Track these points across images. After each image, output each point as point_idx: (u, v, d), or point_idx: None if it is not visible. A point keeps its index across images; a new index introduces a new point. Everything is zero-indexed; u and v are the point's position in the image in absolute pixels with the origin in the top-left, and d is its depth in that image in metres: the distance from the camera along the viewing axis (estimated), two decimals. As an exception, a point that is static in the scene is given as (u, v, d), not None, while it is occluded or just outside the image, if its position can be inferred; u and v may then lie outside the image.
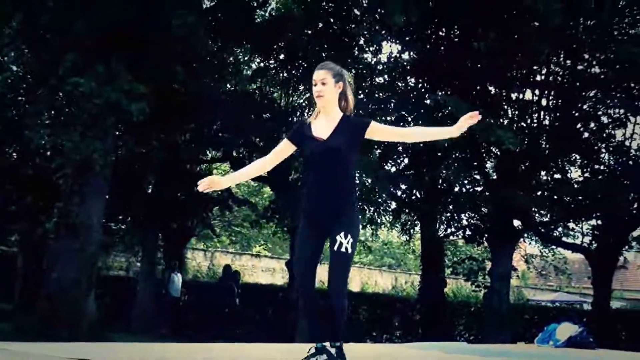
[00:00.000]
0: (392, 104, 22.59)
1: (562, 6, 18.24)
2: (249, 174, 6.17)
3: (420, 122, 21.93)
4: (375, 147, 22.75)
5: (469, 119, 5.76)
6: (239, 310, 24.92)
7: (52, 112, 15.88)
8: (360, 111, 22.59)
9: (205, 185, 5.80)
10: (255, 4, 20.75)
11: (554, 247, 26.02)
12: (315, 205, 5.76)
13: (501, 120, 21.10)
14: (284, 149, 5.86)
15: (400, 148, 23.05)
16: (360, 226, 6.00)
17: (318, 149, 5.64)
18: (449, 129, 5.90)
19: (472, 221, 23.81)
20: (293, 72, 22.89)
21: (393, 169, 23.10)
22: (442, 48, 21.94)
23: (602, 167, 22.56)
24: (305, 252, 5.80)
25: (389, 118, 23.04)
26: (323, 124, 5.72)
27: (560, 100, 21.89)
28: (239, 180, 6.41)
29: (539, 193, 22.11)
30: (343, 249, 5.53)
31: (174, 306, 24.77)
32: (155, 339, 18.71)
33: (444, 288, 25.14)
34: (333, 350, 5.58)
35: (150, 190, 24.50)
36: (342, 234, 5.55)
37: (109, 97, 15.08)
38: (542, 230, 23.65)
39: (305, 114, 23.84)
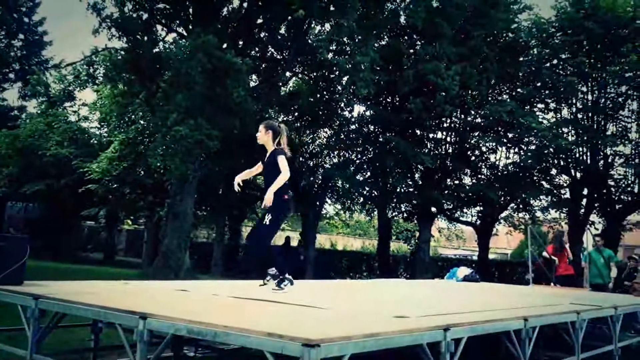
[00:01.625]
0: (360, 141, 22.57)
1: (458, 84, 18.37)
2: (245, 175, 6.45)
3: (377, 151, 21.97)
4: (351, 165, 22.75)
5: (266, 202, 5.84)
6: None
7: (164, 147, 15.81)
8: (341, 144, 22.67)
9: (236, 183, 6.27)
10: (281, 84, 20.72)
11: (455, 223, 26.00)
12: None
13: (424, 149, 21.14)
14: (257, 167, 6.35)
15: (365, 166, 23.01)
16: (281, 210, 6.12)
17: (263, 165, 6.14)
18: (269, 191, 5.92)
19: (407, 208, 23.77)
20: (303, 123, 22.84)
21: (361, 178, 23.04)
22: (389, 108, 21.94)
23: (482, 177, 22.57)
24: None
25: (358, 149, 23.06)
26: (267, 153, 6.10)
27: (457, 138, 21.93)
28: (244, 177, 6.45)
29: (446, 192, 22.11)
30: (264, 222, 5.89)
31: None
32: (224, 278, 18.66)
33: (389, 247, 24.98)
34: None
35: (220, 192, 24.43)
36: (267, 214, 5.88)
37: (196, 138, 15.06)
38: (448, 213, 23.63)
39: (309, 147, 23.87)
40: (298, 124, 22.94)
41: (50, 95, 25.16)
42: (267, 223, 5.85)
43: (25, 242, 5.15)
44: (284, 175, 5.82)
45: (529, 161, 20.34)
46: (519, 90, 21.31)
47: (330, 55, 18.65)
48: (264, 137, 6.04)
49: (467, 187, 21.98)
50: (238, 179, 6.30)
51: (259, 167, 6.31)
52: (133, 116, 20.79)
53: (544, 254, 11.77)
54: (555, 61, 20.53)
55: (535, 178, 21.41)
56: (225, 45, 16.67)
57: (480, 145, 22.07)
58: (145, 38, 17.05)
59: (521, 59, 21.11)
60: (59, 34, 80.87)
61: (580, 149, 20.17)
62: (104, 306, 3.91)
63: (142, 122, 20.26)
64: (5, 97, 28.49)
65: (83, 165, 21.54)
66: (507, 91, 21.96)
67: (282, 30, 19.22)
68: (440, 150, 21.87)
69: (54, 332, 4.79)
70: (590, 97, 20.26)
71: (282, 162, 5.86)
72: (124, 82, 17.96)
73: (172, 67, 15.82)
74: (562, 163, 20.74)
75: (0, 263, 4.87)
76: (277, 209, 5.87)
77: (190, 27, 17.36)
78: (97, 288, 5.41)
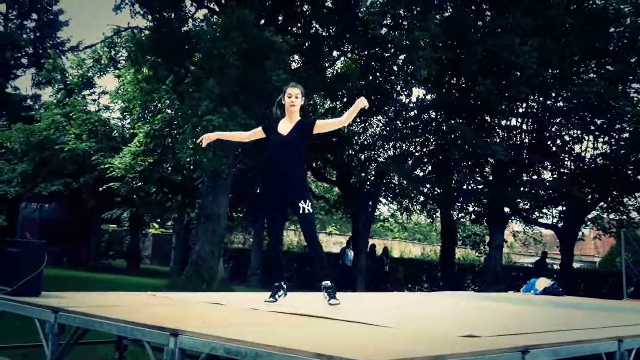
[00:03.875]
0: (419, 130, 22.43)
1: (536, 60, 18.04)
2: (229, 136, 6.60)
3: (439, 142, 21.82)
4: (409, 158, 22.63)
5: (359, 103, 5.38)
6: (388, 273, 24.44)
7: (194, 139, 16.05)
8: (398, 134, 22.56)
9: (204, 140, 6.16)
10: (327, 65, 20.76)
11: (532, 225, 25.61)
12: (275, 183, 5.67)
13: (495, 139, 20.86)
14: (257, 133, 5.97)
15: (425, 159, 22.88)
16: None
17: (279, 140, 5.62)
18: (349, 112, 5.59)
19: (476, 208, 23.53)
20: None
21: (421, 174, 22.90)
22: (453, 91, 21.74)
23: (565, 171, 22.19)
24: (274, 219, 6.03)
25: (417, 139, 22.93)
26: (286, 124, 5.68)
27: (535, 125, 21.59)
28: (225, 137, 6.52)
29: (521, 189, 21.79)
30: (306, 211, 5.48)
31: (348, 272, 23.35)
32: (263, 290, 18.82)
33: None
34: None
35: (258, 190, 24.64)
36: (302, 201, 5.47)
37: (231, 129, 15.22)
38: (524, 214, 23.29)
39: (360, 137, 23.82)
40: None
41: (67, 82, 25.82)
42: (311, 210, 5.54)
43: (42, 248, 5.25)
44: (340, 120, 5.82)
45: (622, 152, 19.86)
46: (609, 67, 20.79)
47: (384, 31, 18.57)
48: (299, 104, 5.75)
49: (547, 184, 21.65)
50: (210, 136, 6.25)
51: (255, 135, 6.04)
52: (159, 104, 21.17)
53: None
54: (653, 32, 19.93)
55: (629, 172, 20.90)
56: (262, 22, 16.81)
57: (563, 133, 21.67)
58: (173, 15, 17.34)
59: (612, 29, 20.57)
60: (76, 12, 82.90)
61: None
62: (130, 321, 3.99)
63: (169, 111, 20.59)
64: (17, 84, 29.27)
65: (104, 161, 22.00)
66: (595, 69, 21.44)
67: (328, 3, 19.22)
68: (514, 140, 21.56)
69: (74, 350, 4.92)
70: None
71: (327, 121, 5.97)
72: (149, 65, 18.30)
73: (203, 48, 16.03)
74: (661, 153, 20.16)
75: (14, 272, 4.99)
76: (308, 190, 5.70)
77: (223, 1, 17.55)
78: (121, 300, 5.53)
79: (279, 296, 5.59)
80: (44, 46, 30.34)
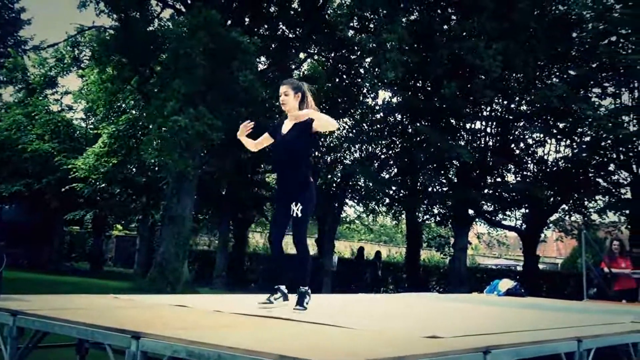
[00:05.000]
0: (385, 132, 22.55)
1: (500, 64, 18.25)
2: (251, 147, 5.75)
3: (405, 144, 21.96)
4: (375, 161, 22.74)
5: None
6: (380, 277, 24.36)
7: (160, 140, 15.94)
8: (364, 136, 22.62)
9: (246, 128, 5.51)
10: (293, 67, 20.76)
11: (496, 227, 25.88)
12: (278, 184, 5.59)
13: (460, 141, 21.06)
14: (264, 139, 5.62)
15: (391, 162, 23.01)
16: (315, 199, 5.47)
17: (280, 140, 5.40)
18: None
19: (440, 210, 23.70)
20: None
21: (387, 176, 23.02)
22: (419, 94, 21.89)
23: (528, 174, 22.45)
24: (274, 218, 5.61)
25: (383, 142, 23.04)
26: (288, 124, 5.43)
27: (499, 128, 21.83)
28: (248, 146, 5.79)
29: (485, 191, 22.01)
30: (295, 215, 5.21)
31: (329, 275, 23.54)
32: (228, 292, 18.75)
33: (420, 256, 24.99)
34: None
35: (224, 192, 24.53)
36: (294, 204, 5.21)
37: (197, 130, 15.13)
38: (488, 216, 23.52)
39: (326, 140, 23.85)
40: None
41: (29, 81, 25.41)
42: (300, 215, 5.24)
43: (1, 250, 5.18)
44: (334, 123, 5.36)
45: (583, 155, 20.18)
46: (571, 72, 21.12)
47: (351, 33, 18.64)
48: (292, 101, 5.39)
49: (511, 186, 21.88)
50: (246, 141, 5.72)
51: (262, 142, 5.68)
52: (124, 105, 20.97)
53: (603, 266, 11.65)
54: (614, 37, 20.30)
55: (590, 175, 21.23)
56: (229, 23, 16.75)
57: (526, 136, 21.95)
58: (138, 14, 17.17)
59: (574, 35, 20.91)
60: (39, 10, 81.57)
61: (644, 140, 19.95)
62: (91, 324, 3.94)
63: (134, 111, 20.40)
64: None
65: (67, 162, 21.72)
66: (558, 73, 21.76)
67: (295, 4, 19.23)
68: (479, 142, 21.78)
69: (33, 353, 4.84)
70: (655, 80, 20.04)
71: (323, 116, 5.33)
72: (113, 65, 18.11)
73: (169, 48, 15.92)
74: (622, 157, 20.52)
75: (-28, 274, 4.92)
76: (307, 192, 5.35)
77: (189, 1, 17.45)
78: (83, 303, 5.45)
79: (276, 299, 5.34)
80: (5, 44, 29.84)
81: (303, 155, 5.41)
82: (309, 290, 5.27)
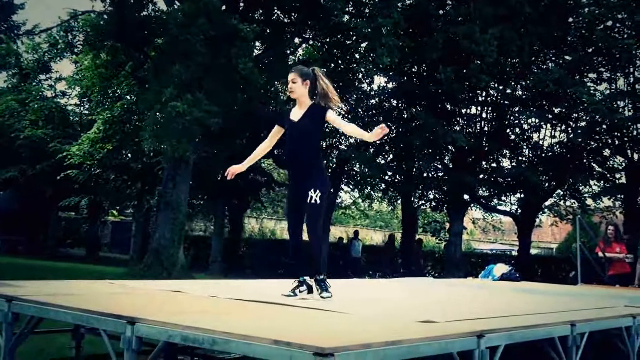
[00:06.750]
0: (380, 118, 22.53)
1: (496, 49, 18.23)
2: (257, 157, 5.76)
3: (400, 129, 21.95)
4: (370, 146, 22.71)
5: (380, 130, 5.07)
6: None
7: (157, 126, 15.89)
8: (359, 122, 22.57)
9: (230, 174, 5.55)
10: (288, 52, 20.67)
11: (491, 212, 25.97)
12: (290, 169, 5.54)
13: (455, 127, 21.08)
14: (276, 132, 5.52)
15: (387, 147, 23.00)
16: (329, 186, 5.30)
17: (291, 127, 5.36)
18: (368, 135, 5.23)
19: (436, 196, 23.76)
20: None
21: (382, 162, 23.03)
22: (415, 79, 21.87)
23: (523, 159, 22.50)
24: (291, 207, 5.46)
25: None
26: (297, 110, 5.40)
27: (495, 114, 21.85)
28: (252, 162, 5.75)
29: (481, 176, 22.06)
30: (313, 201, 5.15)
31: (356, 264, 23.72)
32: (224, 277, 18.79)
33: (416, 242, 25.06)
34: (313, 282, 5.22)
35: (219, 177, 24.51)
36: (312, 190, 5.15)
37: (195, 115, 15.09)
38: (484, 201, 23.60)
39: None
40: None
41: (22, 66, 25.28)
42: (318, 201, 5.17)
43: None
44: (356, 131, 5.39)
45: (579, 140, 20.21)
46: (567, 56, 21.13)
47: (346, 18, 18.54)
48: (300, 88, 5.37)
49: (506, 171, 21.93)
50: (238, 168, 5.65)
51: (275, 136, 5.58)
52: (118, 91, 20.85)
53: (597, 251, 11.72)
54: (609, 22, 20.28)
55: (585, 160, 21.29)
56: (224, 8, 16.66)
57: (522, 121, 21.97)
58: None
59: (570, 20, 20.90)
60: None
61: (639, 125, 19.98)
62: (87, 309, 3.95)
63: (128, 97, 20.32)
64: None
65: (61, 148, 21.67)
66: (553, 58, 21.78)
67: (290, -12, 19.13)
68: (474, 127, 21.80)
69: (30, 339, 4.86)
70: (651, 65, 20.06)
71: (339, 119, 5.39)
72: (107, 50, 18.01)
73: (168, 33, 15.84)
74: (617, 142, 20.58)
75: (-32, 260, 4.92)
76: (323, 179, 5.32)
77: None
78: (78, 288, 5.46)
79: (300, 291, 5.19)
80: (-2, 30, 29.62)
81: (316, 141, 5.42)
82: (325, 277, 5.24)
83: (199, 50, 15.13)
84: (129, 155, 22.50)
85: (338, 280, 5.54)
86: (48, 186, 23.52)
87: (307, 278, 5.26)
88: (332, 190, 23.71)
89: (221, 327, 3.28)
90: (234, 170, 5.60)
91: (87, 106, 25.06)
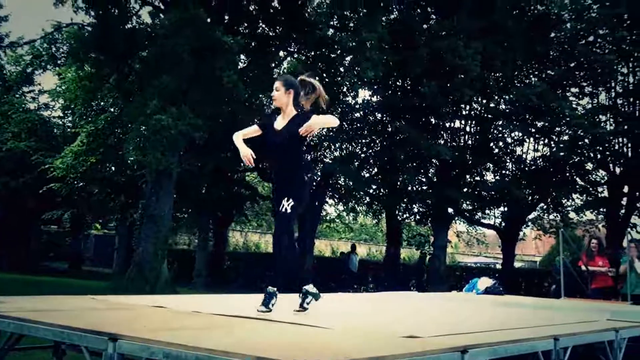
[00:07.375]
0: (365, 131, 22.59)
1: (479, 64, 18.37)
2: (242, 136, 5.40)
3: (385, 143, 22.01)
4: (355, 160, 22.76)
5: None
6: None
7: (140, 139, 15.83)
8: (344, 135, 22.62)
9: (250, 160, 5.27)
10: (273, 65, 20.70)
11: (475, 226, 26.05)
12: (274, 178, 5.51)
13: (439, 140, 21.15)
14: (252, 130, 5.46)
15: (371, 161, 23.05)
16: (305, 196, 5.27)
17: (274, 136, 5.30)
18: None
19: (420, 209, 23.79)
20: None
21: (367, 175, 23.05)
22: (399, 93, 21.95)
23: (507, 172, 22.62)
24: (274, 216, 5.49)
25: (363, 140, 23.06)
26: (281, 120, 5.35)
27: (478, 127, 21.97)
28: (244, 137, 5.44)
29: (465, 190, 22.13)
30: (283, 210, 5.11)
31: (353, 278, 23.79)
32: (208, 291, 18.67)
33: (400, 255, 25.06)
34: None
35: (203, 190, 24.44)
36: (285, 199, 5.12)
37: (180, 128, 15.06)
38: (468, 214, 23.66)
39: (307, 138, 23.79)
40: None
41: (6, 78, 25.11)
42: (289, 211, 5.13)
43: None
44: (335, 120, 5.37)
45: (561, 154, 20.35)
46: (549, 71, 21.32)
47: (331, 32, 18.62)
48: (283, 97, 5.34)
49: (490, 185, 22.02)
50: (245, 149, 5.33)
51: (250, 132, 5.48)
52: (102, 103, 20.79)
53: (580, 264, 11.77)
54: (591, 38, 20.52)
55: (568, 174, 21.43)
56: (209, 20, 16.67)
57: (505, 135, 22.10)
58: (116, 11, 17.04)
59: (552, 35, 21.10)
60: (15, 7, 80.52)
61: (620, 139, 20.17)
62: (68, 326, 3.91)
63: (112, 109, 20.26)
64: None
65: (44, 160, 21.50)
66: (536, 73, 21.97)
67: (275, 3, 19.19)
68: (458, 141, 21.89)
69: (10, 356, 4.80)
70: (631, 80, 20.26)
71: (321, 117, 5.31)
72: (91, 62, 17.94)
73: (155, 44, 15.81)
74: (599, 156, 20.74)
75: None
76: (299, 190, 5.25)
77: (168, -1, 17.35)
78: (59, 304, 5.41)
79: (273, 305, 5.09)
80: (-19, 41, 29.41)
81: (296, 151, 5.33)
82: (277, 291, 5.14)
83: (186, 59, 15.13)
84: (113, 168, 22.39)
85: (322, 294, 5.53)
86: (30, 199, 23.32)
87: (269, 288, 5.14)
88: (316, 203, 23.70)
89: (204, 343, 3.26)
90: (249, 154, 5.31)
91: (70, 118, 24.96)
